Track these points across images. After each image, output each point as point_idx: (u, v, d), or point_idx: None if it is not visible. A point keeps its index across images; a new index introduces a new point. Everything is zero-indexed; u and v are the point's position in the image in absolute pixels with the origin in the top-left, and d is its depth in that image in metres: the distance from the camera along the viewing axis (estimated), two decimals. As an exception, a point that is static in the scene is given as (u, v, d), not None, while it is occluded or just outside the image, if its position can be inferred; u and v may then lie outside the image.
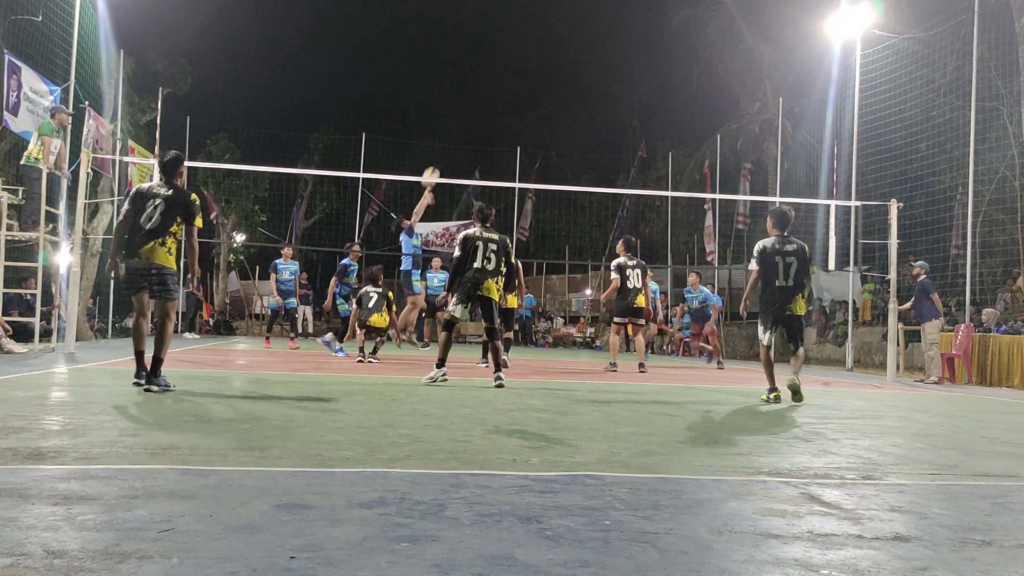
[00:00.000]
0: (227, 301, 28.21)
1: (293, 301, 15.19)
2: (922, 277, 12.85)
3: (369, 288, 11.99)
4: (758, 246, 7.61)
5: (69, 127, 11.82)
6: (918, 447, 4.84)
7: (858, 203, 14.52)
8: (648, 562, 2.19)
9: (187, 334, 19.74)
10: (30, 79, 12.45)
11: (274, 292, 14.98)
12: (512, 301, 10.96)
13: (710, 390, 8.96)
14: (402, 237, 12.96)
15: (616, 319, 12.09)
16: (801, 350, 7.67)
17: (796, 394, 7.27)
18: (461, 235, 8.18)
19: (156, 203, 6.28)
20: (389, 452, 3.77)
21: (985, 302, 15.86)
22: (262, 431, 4.26)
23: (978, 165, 14.98)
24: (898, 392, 10.25)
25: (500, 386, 7.56)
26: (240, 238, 28.45)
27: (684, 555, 2.27)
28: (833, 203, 14.91)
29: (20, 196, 11.22)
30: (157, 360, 6.19)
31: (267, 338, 16.08)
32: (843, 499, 3.14)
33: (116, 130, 16.64)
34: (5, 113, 11.83)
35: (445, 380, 7.82)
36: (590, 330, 27.46)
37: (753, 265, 7.60)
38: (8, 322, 10.83)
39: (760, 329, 7.68)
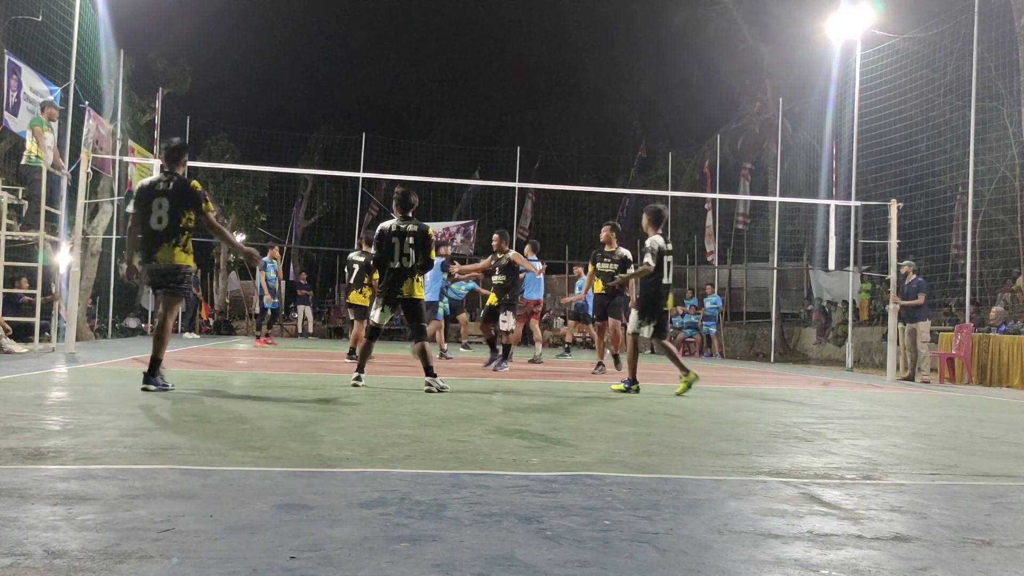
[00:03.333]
0: (227, 301, 28.20)
1: (276, 300, 16.00)
2: (917, 276, 12.89)
3: (353, 255, 11.08)
4: (659, 243, 7.75)
5: (57, 122, 11.79)
6: (918, 447, 4.84)
7: (858, 203, 14.52)
8: (648, 562, 2.19)
9: (187, 334, 19.73)
10: (30, 79, 12.44)
11: (266, 289, 15.50)
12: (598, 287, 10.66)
13: (710, 390, 8.96)
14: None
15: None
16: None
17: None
18: (377, 228, 7.36)
19: (161, 202, 6.05)
20: (389, 452, 3.77)
21: (985, 302, 15.85)
22: (262, 431, 4.26)
23: (978, 165, 14.97)
24: (898, 392, 10.24)
25: (430, 391, 6.83)
26: (240, 238, 28.44)
27: (684, 555, 2.27)
28: (833, 203, 14.92)
29: (20, 196, 11.22)
30: (155, 360, 6.07)
31: (268, 336, 16.12)
32: (843, 499, 3.14)
33: (116, 130, 16.63)
34: (5, 113, 11.83)
35: (355, 386, 7.00)
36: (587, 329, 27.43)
37: (650, 260, 7.70)
38: (8, 322, 10.83)
39: (640, 323, 7.82)
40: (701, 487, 3.28)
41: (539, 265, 12.58)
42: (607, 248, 10.44)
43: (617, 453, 4.01)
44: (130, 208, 6.15)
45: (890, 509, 2.99)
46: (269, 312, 16.15)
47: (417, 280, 7.23)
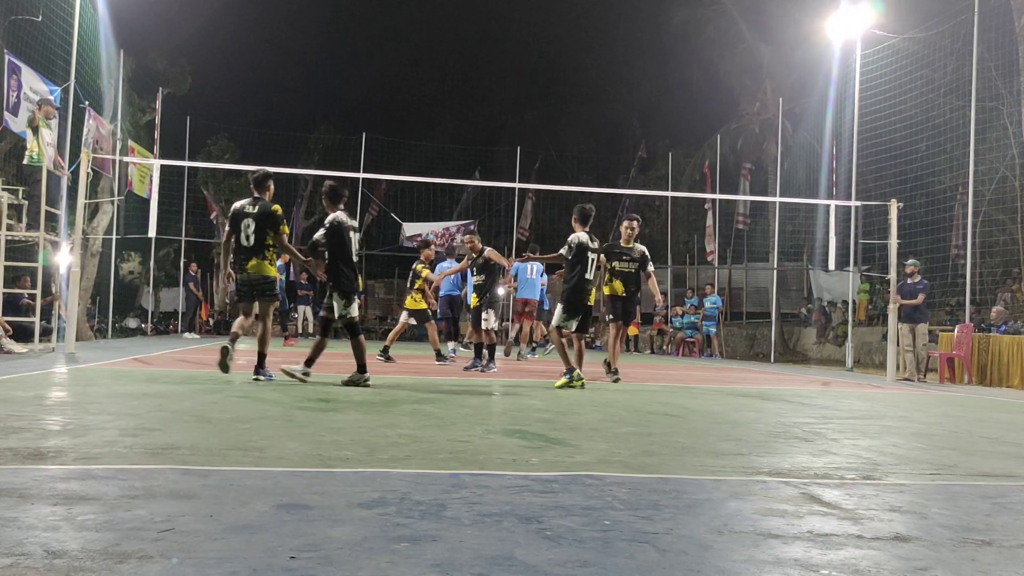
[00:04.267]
0: (227, 301, 28.20)
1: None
2: (922, 278, 12.95)
3: (417, 266, 11.90)
4: (580, 238, 8.18)
5: (55, 120, 11.80)
6: (918, 447, 4.84)
7: (858, 203, 14.51)
8: (648, 562, 2.19)
9: (187, 334, 19.75)
10: (30, 79, 12.44)
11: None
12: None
13: (710, 390, 8.96)
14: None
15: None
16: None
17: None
18: (332, 217, 7.31)
19: (248, 223, 7.11)
20: (389, 452, 3.77)
21: (985, 302, 15.86)
22: (262, 431, 4.26)
23: (978, 165, 14.98)
24: (898, 392, 10.24)
25: (358, 384, 7.11)
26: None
27: (684, 555, 2.27)
28: (833, 203, 14.91)
29: (20, 196, 11.22)
30: (261, 355, 7.24)
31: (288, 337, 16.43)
32: (843, 499, 3.14)
33: (116, 130, 16.63)
34: (5, 113, 11.82)
35: (306, 376, 7.24)
36: (591, 330, 27.43)
37: (564, 251, 8.28)
38: (8, 322, 10.83)
39: (564, 317, 8.20)
40: (701, 487, 3.28)
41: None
42: (623, 244, 9.42)
43: (617, 453, 4.01)
44: (226, 226, 7.32)
45: (890, 509, 2.99)
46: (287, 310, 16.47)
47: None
